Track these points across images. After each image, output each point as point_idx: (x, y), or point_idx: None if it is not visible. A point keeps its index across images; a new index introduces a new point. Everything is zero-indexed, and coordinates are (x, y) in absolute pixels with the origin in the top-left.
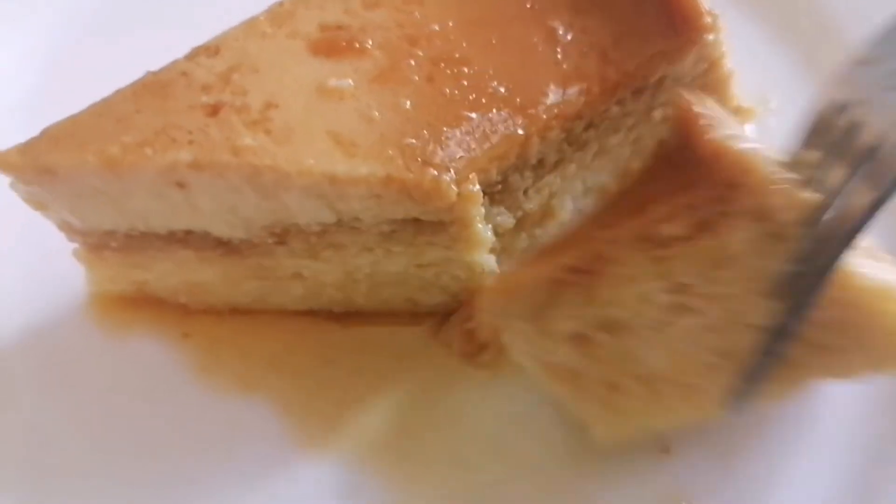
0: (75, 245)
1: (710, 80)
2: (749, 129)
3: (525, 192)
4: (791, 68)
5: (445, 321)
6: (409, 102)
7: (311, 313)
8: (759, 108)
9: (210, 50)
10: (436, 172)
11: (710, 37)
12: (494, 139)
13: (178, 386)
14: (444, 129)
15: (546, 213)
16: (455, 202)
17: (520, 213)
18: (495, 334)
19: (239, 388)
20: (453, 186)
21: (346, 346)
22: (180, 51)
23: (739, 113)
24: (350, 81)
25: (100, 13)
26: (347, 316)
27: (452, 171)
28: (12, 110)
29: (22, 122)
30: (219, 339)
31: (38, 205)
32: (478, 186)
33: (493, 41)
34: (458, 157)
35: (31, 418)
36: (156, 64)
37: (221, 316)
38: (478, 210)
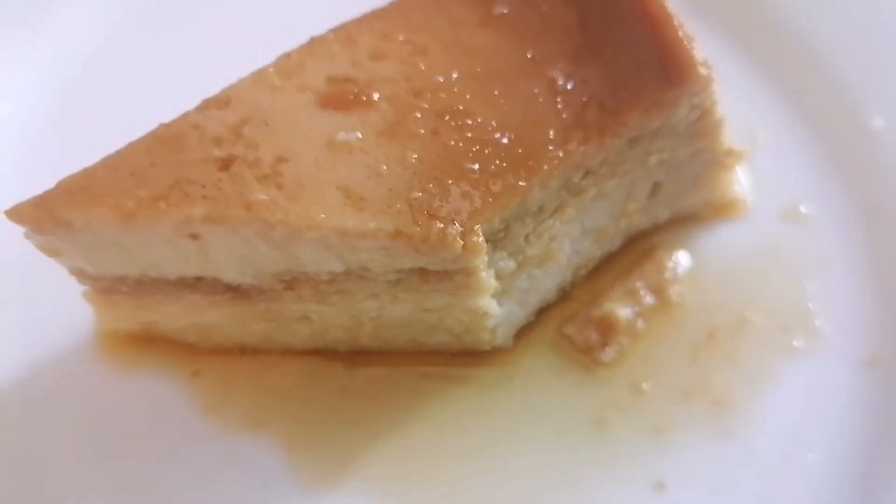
0: (85, 287)
1: (703, 126)
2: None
3: (526, 237)
4: (777, 104)
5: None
6: (415, 156)
7: (317, 352)
8: (748, 146)
9: (221, 102)
10: (442, 225)
11: (705, 87)
12: (497, 190)
13: (186, 424)
14: (450, 181)
15: (546, 255)
16: (460, 254)
17: (521, 258)
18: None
19: (247, 425)
20: (459, 239)
21: (353, 384)
22: (187, 97)
23: (731, 155)
24: (359, 135)
25: (105, 59)
26: (353, 356)
27: (457, 223)
28: (24, 154)
29: (30, 168)
30: (228, 377)
31: (52, 252)
32: (482, 237)
33: (496, 92)
34: (462, 209)
35: (40, 454)
36: (163, 111)
37: (230, 354)
38: (482, 259)
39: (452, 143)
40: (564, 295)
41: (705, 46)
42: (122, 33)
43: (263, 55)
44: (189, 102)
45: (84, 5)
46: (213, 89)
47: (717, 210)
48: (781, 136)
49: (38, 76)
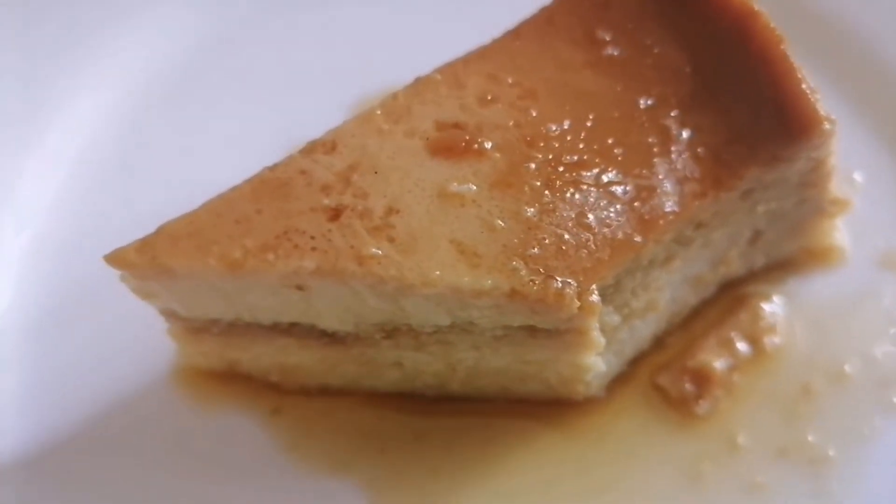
0: (171, 325)
1: (814, 177)
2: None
3: (633, 290)
4: (875, 146)
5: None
6: (530, 210)
7: (393, 396)
8: (846, 190)
9: (327, 146)
10: (559, 285)
11: (826, 141)
12: (614, 247)
13: (267, 463)
14: (566, 236)
15: (649, 306)
16: (576, 314)
17: (626, 311)
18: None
19: (330, 468)
20: (576, 299)
21: (429, 431)
22: (284, 135)
23: (836, 204)
24: (472, 186)
25: (192, 93)
26: (430, 402)
27: (574, 282)
28: (110, 189)
29: (120, 204)
30: (307, 416)
31: (146, 294)
32: (597, 297)
33: (609, 141)
34: (578, 266)
35: (120, 486)
36: (258, 150)
37: (308, 393)
38: (596, 319)
39: (567, 195)
40: (657, 342)
41: None
42: (202, 64)
43: (362, 88)
44: (281, 138)
45: (168, 32)
46: (307, 124)
47: (814, 256)
48: (879, 179)
49: (113, 105)
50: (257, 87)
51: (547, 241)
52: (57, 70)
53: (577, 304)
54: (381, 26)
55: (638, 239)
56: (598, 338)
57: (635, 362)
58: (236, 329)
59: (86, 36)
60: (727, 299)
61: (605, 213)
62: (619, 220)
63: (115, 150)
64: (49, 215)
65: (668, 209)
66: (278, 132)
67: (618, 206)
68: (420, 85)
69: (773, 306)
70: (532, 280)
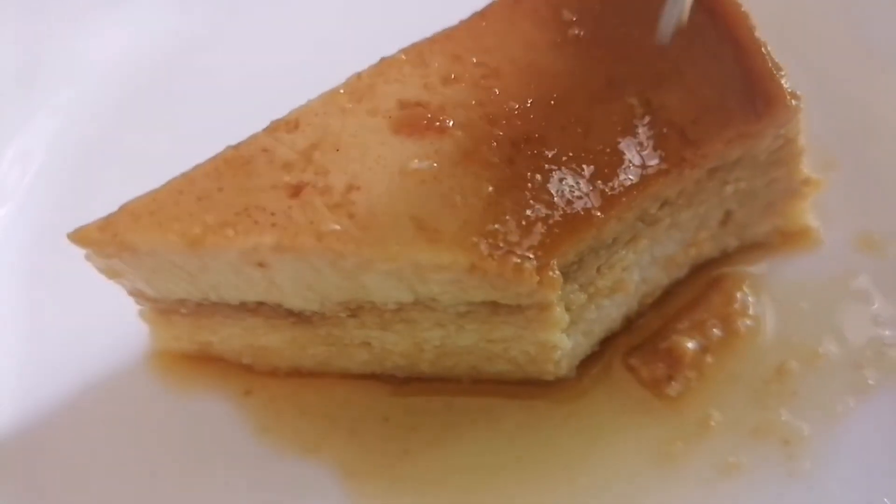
0: (141, 307)
1: (783, 156)
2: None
3: (598, 269)
4: (849, 126)
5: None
6: (490, 186)
7: (362, 377)
8: (820, 170)
9: (290, 124)
10: (518, 260)
11: (791, 119)
12: (574, 222)
13: (239, 445)
14: (526, 212)
15: (616, 285)
16: (536, 289)
17: (592, 289)
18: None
19: (299, 447)
20: (535, 274)
21: (396, 413)
22: (252, 116)
23: (808, 184)
24: (433, 163)
25: (165, 75)
26: (400, 383)
27: (534, 257)
28: (78, 173)
29: (85, 187)
30: (279, 397)
31: (112, 274)
32: (558, 272)
33: (572, 119)
34: (538, 242)
35: (90, 476)
36: (227, 131)
37: (281, 374)
38: (557, 294)
39: (528, 172)
40: (629, 324)
41: None
42: (183, 50)
43: (330, 73)
44: (253, 121)
45: (146, 19)
46: (278, 108)
47: (788, 238)
48: (853, 160)
49: (95, 91)
50: (232, 76)
51: (507, 217)
52: (41, 60)
53: (537, 278)
54: (359, 12)
55: (599, 214)
56: (561, 314)
57: (606, 343)
58: (205, 309)
59: (70, 28)
60: (701, 280)
61: (567, 189)
62: (580, 197)
63: (94, 135)
64: (24, 199)
65: (629, 185)
66: (253, 119)
67: (579, 183)
68: (384, 65)
69: (746, 288)
70: (491, 255)
